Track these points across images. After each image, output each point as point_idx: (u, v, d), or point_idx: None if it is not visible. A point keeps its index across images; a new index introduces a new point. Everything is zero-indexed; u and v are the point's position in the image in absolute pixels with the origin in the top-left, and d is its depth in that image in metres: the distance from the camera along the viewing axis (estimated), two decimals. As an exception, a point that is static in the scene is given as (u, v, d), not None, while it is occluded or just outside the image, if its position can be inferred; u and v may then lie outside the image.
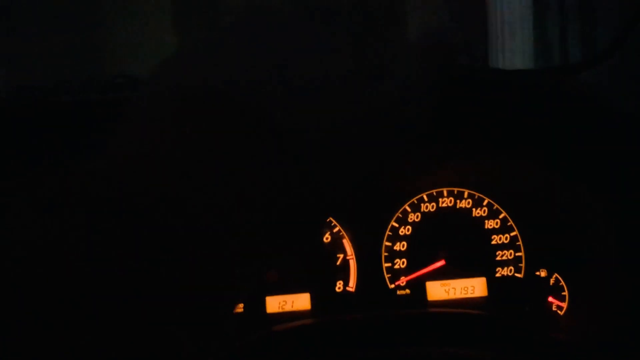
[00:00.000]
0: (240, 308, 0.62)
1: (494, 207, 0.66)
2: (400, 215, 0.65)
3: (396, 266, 0.65)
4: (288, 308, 0.63)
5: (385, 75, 0.31)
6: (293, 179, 0.24)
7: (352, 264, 0.64)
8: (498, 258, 0.65)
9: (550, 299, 0.64)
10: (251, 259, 0.24)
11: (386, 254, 0.65)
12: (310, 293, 0.64)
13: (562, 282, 0.65)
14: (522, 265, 0.65)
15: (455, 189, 0.66)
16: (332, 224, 0.64)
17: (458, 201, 0.66)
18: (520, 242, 0.65)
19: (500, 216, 0.66)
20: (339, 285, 0.64)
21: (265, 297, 0.63)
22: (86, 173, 0.23)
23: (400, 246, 0.65)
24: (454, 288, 0.65)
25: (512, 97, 0.59)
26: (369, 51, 0.31)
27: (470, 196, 0.66)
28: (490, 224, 0.66)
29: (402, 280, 0.65)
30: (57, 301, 0.19)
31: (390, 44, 0.33)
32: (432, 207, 0.66)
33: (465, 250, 0.65)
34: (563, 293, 0.65)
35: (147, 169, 0.23)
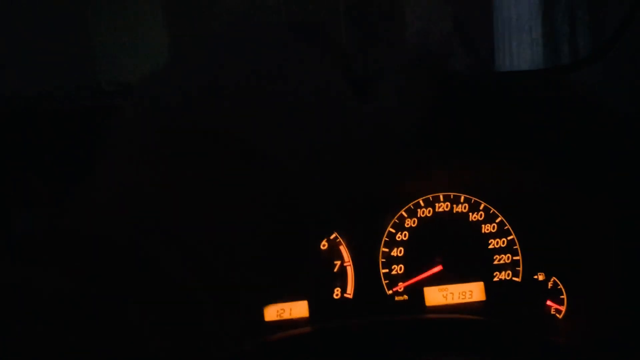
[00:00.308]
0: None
1: (491, 211, 0.65)
2: (396, 221, 0.65)
3: (393, 272, 0.65)
4: (286, 316, 0.63)
5: (375, 90, 0.30)
6: (288, 201, 0.24)
7: (350, 271, 0.64)
8: (495, 262, 0.65)
9: (548, 302, 0.64)
10: (252, 284, 0.24)
11: (383, 260, 0.65)
12: (307, 301, 0.64)
13: (560, 286, 0.65)
14: (520, 269, 0.65)
15: (452, 194, 0.66)
16: (329, 231, 0.64)
17: (454, 206, 0.66)
18: (517, 246, 0.65)
19: (497, 220, 0.65)
20: (337, 292, 0.64)
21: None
22: (77, 210, 0.22)
23: (397, 252, 0.65)
24: (452, 293, 0.65)
25: (506, 101, 0.59)
26: (359, 66, 0.31)
27: (466, 201, 0.66)
28: (487, 228, 0.65)
29: (400, 286, 0.64)
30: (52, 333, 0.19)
31: (380, 57, 0.33)
32: (429, 212, 0.65)
33: (462, 255, 0.65)
34: (561, 296, 0.64)
35: (136, 203, 0.22)
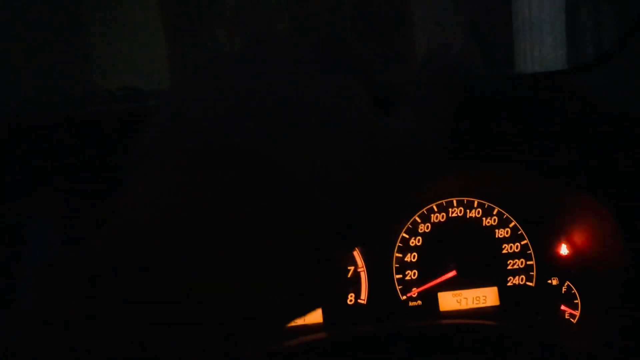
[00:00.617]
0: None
1: (504, 216, 0.65)
2: (410, 226, 0.65)
3: (407, 277, 0.65)
4: (300, 322, 0.63)
5: (398, 103, 0.30)
6: (311, 219, 0.24)
7: (363, 276, 0.64)
8: (509, 267, 0.65)
9: (562, 307, 0.64)
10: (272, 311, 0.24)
11: (397, 265, 0.65)
12: (321, 306, 0.64)
13: (574, 290, 0.64)
14: (534, 273, 0.65)
15: (465, 199, 0.66)
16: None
17: (468, 211, 0.66)
18: (531, 251, 0.65)
19: (511, 225, 0.65)
20: (351, 298, 0.64)
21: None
22: (103, 238, 0.22)
23: (411, 257, 0.65)
24: (466, 298, 0.65)
25: (517, 105, 0.59)
26: (380, 81, 0.30)
27: (479, 205, 0.66)
28: (500, 233, 0.65)
29: (414, 292, 0.64)
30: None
31: (401, 70, 0.32)
32: (442, 217, 0.65)
33: (476, 259, 0.65)
34: (575, 301, 0.64)
35: (162, 229, 0.22)
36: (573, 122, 0.59)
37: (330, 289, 0.27)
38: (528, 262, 0.65)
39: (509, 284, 0.65)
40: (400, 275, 0.65)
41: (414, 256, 0.65)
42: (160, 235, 0.22)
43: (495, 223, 0.65)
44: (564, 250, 0.65)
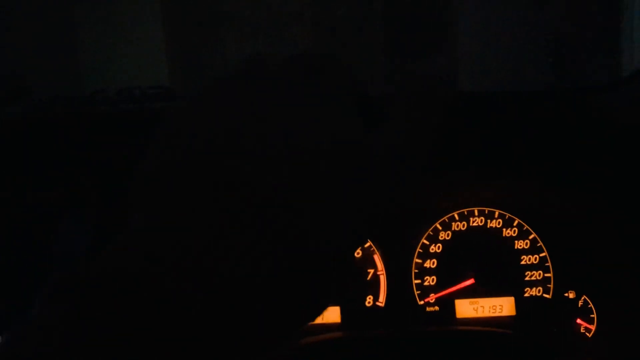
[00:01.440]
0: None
1: (524, 228, 0.66)
2: (431, 233, 0.66)
3: (426, 283, 0.66)
4: (318, 320, 0.64)
5: (384, 120, 0.30)
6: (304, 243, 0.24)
7: (382, 280, 0.65)
8: (527, 278, 0.66)
9: (578, 320, 0.65)
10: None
11: (416, 270, 0.66)
12: (340, 306, 0.65)
13: (591, 304, 0.65)
14: (551, 286, 0.66)
15: (486, 209, 0.67)
16: (364, 240, 0.65)
17: (489, 221, 0.66)
18: (549, 263, 0.66)
19: (530, 237, 0.66)
20: (369, 300, 0.65)
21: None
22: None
23: (430, 263, 0.66)
24: (483, 306, 0.65)
25: (542, 120, 0.60)
26: (367, 96, 0.31)
27: (500, 216, 0.66)
28: (520, 244, 0.66)
29: (432, 297, 0.65)
30: None
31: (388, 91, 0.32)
32: (463, 226, 0.66)
33: (494, 269, 0.66)
34: (591, 315, 0.65)
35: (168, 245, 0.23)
36: (600, 137, 0.60)
37: (329, 297, 0.27)
38: (546, 275, 0.66)
39: (526, 295, 0.66)
40: (419, 281, 0.66)
41: (434, 262, 0.66)
42: (162, 251, 0.22)
43: (515, 234, 0.66)
44: (582, 263, 0.65)
